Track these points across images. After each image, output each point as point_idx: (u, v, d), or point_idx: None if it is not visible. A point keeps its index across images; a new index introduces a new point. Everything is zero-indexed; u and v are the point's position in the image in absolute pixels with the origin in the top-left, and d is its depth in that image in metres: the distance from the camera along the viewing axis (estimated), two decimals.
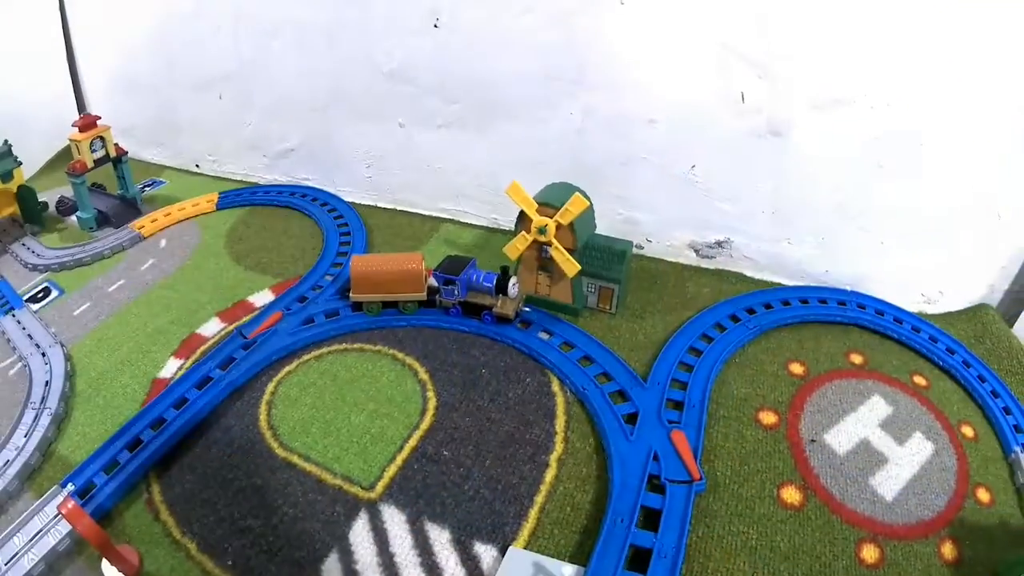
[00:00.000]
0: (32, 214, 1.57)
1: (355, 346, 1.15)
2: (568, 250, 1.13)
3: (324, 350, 1.15)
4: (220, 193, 1.69)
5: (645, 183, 1.32)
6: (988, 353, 1.15)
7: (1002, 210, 1.17)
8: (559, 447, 0.96)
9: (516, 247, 1.16)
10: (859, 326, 1.18)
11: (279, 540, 0.82)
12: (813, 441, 0.95)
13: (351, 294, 1.19)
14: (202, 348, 1.14)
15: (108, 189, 1.67)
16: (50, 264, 1.42)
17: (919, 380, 1.07)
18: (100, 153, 1.56)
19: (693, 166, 1.28)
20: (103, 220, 1.56)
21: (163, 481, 0.90)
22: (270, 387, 1.05)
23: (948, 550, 0.81)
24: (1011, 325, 1.23)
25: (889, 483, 0.88)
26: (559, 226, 1.12)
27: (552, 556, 0.82)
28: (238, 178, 1.81)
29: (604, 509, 0.86)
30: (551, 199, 1.13)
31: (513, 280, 1.12)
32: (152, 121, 1.91)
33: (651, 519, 0.83)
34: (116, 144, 1.58)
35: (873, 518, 0.84)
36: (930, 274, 1.25)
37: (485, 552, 0.84)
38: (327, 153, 1.65)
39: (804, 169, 1.23)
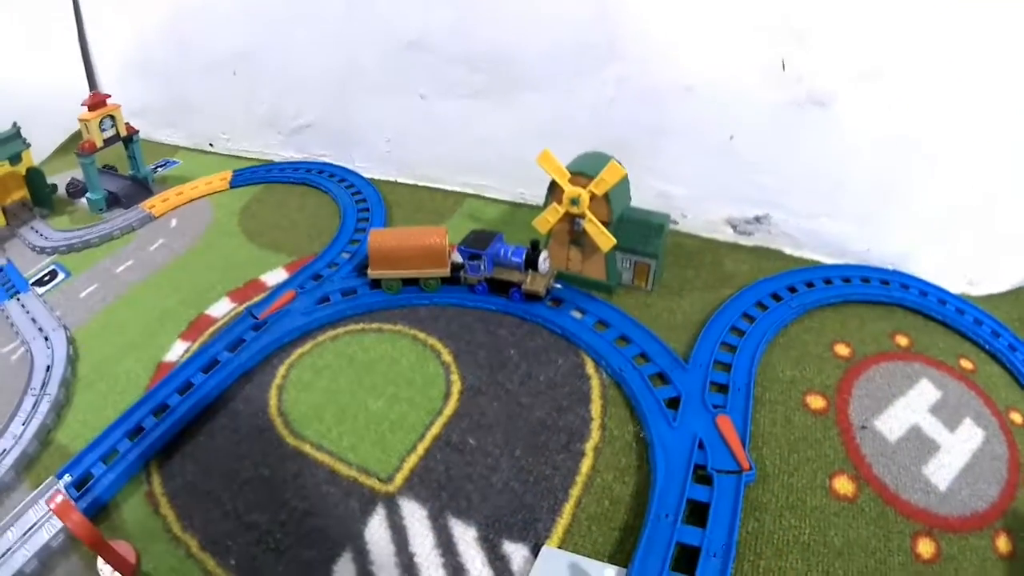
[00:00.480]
0: (41, 197, 1.52)
1: (373, 326, 1.07)
2: (603, 223, 1.05)
3: (340, 330, 1.07)
4: (234, 171, 1.62)
5: (680, 155, 1.23)
6: None
7: None
8: (595, 434, 0.88)
9: (547, 220, 1.08)
10: (903, 307, 1.10)
11: (287, 538, 0.75)
12: (864, 427, 0.88)
13: (369, 271, 1.11)
14: (211, 330, 1.08)
15: (120, 171, 1.66)
16: (57, 246, 1.37)
17: (965, 364, 0.99)
18: (110, 132, 1.50)
19: (731, 137, 1.19)
20: (113, 201, 1.51)
21: (165, 471, 0.84)
22: (281, 370, 0.98)
23: (1003, 543, 0.76)
24: None
25: (942, 472, 0.82)
26: (593, 197, 1.04)
27: (590, 556, 0.75)
28: (252, 156, 1.74)
29: (646, 503, 0.79)
30: (585, 168, 1.04)
31: (544, 255, 1.03)
32: (164, 102, 1.84)
33: (697, 513, 0.78)
34: (127, 123, 1.52)
35: (928, 510, 0.77)
36: (973, 255, 1.16)
37: (515, 552, 0.76)
38: (344, 128, 1.57)
39: (846, 142, 1.14)
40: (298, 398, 0.93)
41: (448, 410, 0.92)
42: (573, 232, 1.10)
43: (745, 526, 0.77)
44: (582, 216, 1.05)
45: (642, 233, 1.09)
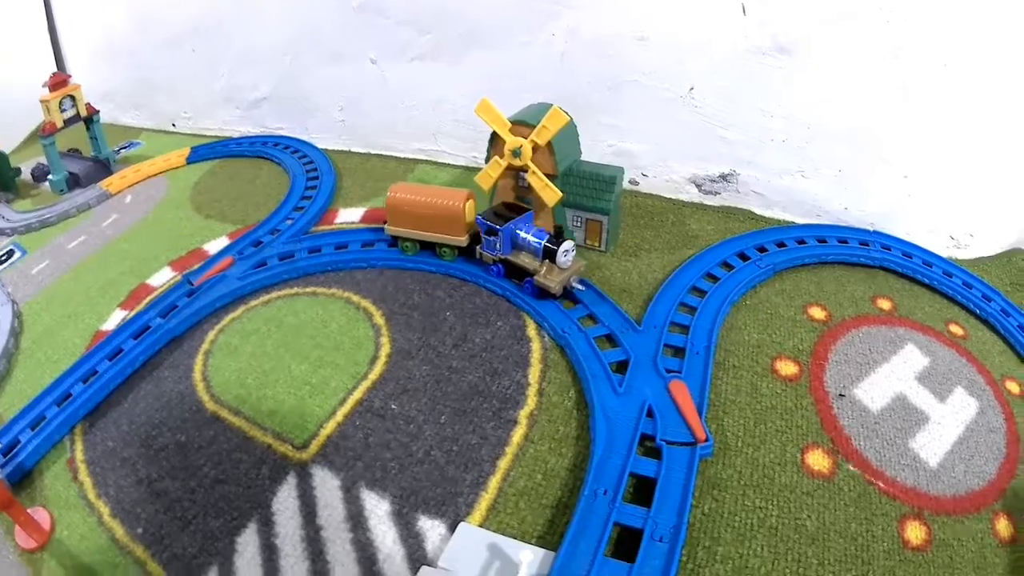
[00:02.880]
0: (5, 181, 1.43)
1: (308, 290, 0.93)
2: (548, 176, 0.88)
3: (274, 295, 0.93)
4: (192, 148, 1.48)
5: (638, 109, 1.07)
6: None
7: None
8: (531, 401, 0.72)
9: (488, 175, 0.92)
10: (885, 268, 0.94)
11: (195, 506, 0.67)
12: (842, 396, 0.73)
13: (386, 226, 0.97)
14: (149, 298, 0.98)
15: (84, 154, 1.53)
16: (16, 227, 1.28)
17: (955, 329, 0.85)
18: (71, 112, 1.37)
19: (691, 88, 1.02)
20: (74, 182, 1.41)
21: (88, 438, 0.76)
22: (210, 335, 0.87)
23: (1003, 526, 0.63)
24: None
25: (932, 446, 0.69)
26: (536, 147, 0.88)
27: (515, 536, 0.60)
28: (213, 133, 1.59)
29: (583, 478, 0.63)
30: (527, 117, 0.89)
31: (567, 246, 0.82)
32: (130, 84, 1.70)
33: (644, 491, 0.62)
34: (88, 104, 1.39)
35: (916, 488, 0.64)
36: (959, 215, 1.00)
37: (431, 528, 0.61)
38: (299, 99, 1.42)
39: (817, 92, 0.98)
40: (222, 363, 0.82)
41: (373, 374, 0.77)
42: (518, 188, 0.93)
43: (700, 506, 0.61)
44: (525, 169, 0.89)
45: (593, 187, 0.92)
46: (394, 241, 0.97)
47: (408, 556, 0.59)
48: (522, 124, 0.88)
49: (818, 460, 0.66)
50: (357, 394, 0.74)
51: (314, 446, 0.69)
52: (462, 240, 0.91)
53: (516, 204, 0.91)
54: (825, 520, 0.60)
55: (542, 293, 0.84)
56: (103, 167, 1.44)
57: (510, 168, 0.90)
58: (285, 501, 0.65)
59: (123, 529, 0.66)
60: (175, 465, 0.71)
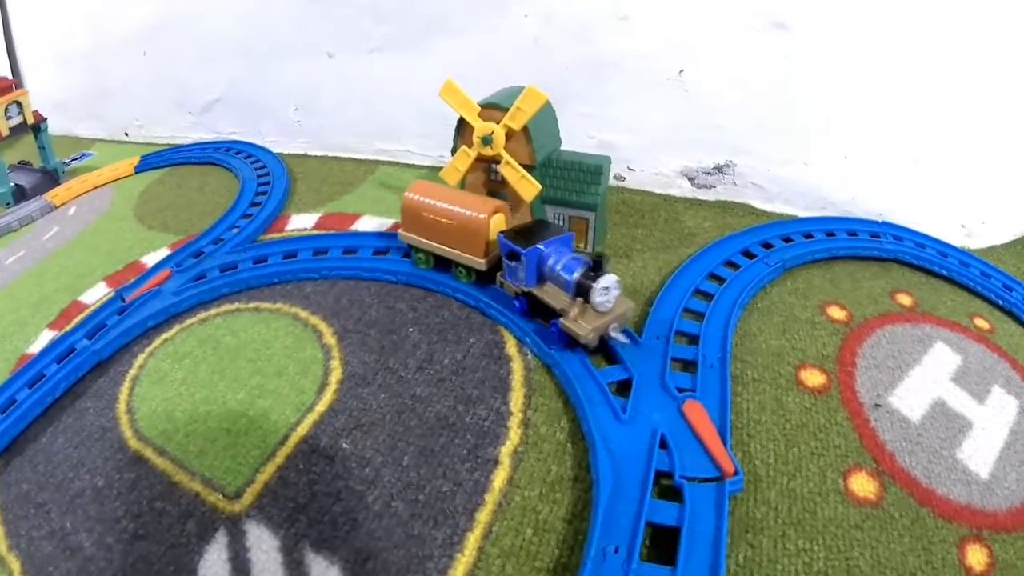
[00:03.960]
0: None
1: (250, 305, 0.79)
2: (525, 167, 0.73)
3: (212, 311, 0.79)
4: (141, 156, 1.34)
5: (621, 96, 0.94)
6: None
7: None
8: (514, 434, 0.58)
9: (455, 168, 0.77)
10: (899, 261, 0.83)
11: (111, 567, 0.53)
12: (878, 406, 0.62)
13: (400, 231, 0.79)
14: (80, 317, 0.85)
15: (34, 166, 1.39)
16: None
17: (981, 323, 0.75)
18: (17, 120, 1.24)
19: (680, 71, 0.89)
20: (21, 195, 1.28)
21: (3, 479, 0.63)
22: (139, 359, 0.74)
23: None
24: None
25: (980, 454, 0.59)
26: (510, 133, 0.74)
27: None
28: (164, 141, 1.45)
29: (586, 531, 0.48)
30: (498, 100, 0.75)
31: (606, 282, 0.60)
32: (84, 92, 1.55)
33: (664, 543, 0.48)
34: (35, 111, 1.26)
35: (971, 505, 0.54)
36: (970, 201, 0.90)
37: None
38: (253, 99, 1.28)
39: (817, 70, 0.87)
40: (149, 392, 0.69)
41: (321, 405, 0.62)
42: (490, 182, 0.79)
43: (733, 556, 0.49)
44: (498, 160, 0.74)
45: (576, 180, 0.78)
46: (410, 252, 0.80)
47: None
48: (493, 107, 0.74)
49: (863, 485, 0.54)
50: (301, 430, 0.59)
51: (249, 495, 0.55)
52: (480, 262, 0.71)
53: (552, 225, 0.69)
54: (880, 556, 0.49)
55: (571, 340, 0.63)
56: (51, 178, 1.31)
57: (480, 160, 0.76)
58: (214, 566, 0.51)
59: None
60: (91, 515, 0.57)
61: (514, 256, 0.65)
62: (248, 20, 1.19)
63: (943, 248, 0.86)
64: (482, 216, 0.69)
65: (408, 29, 1.04)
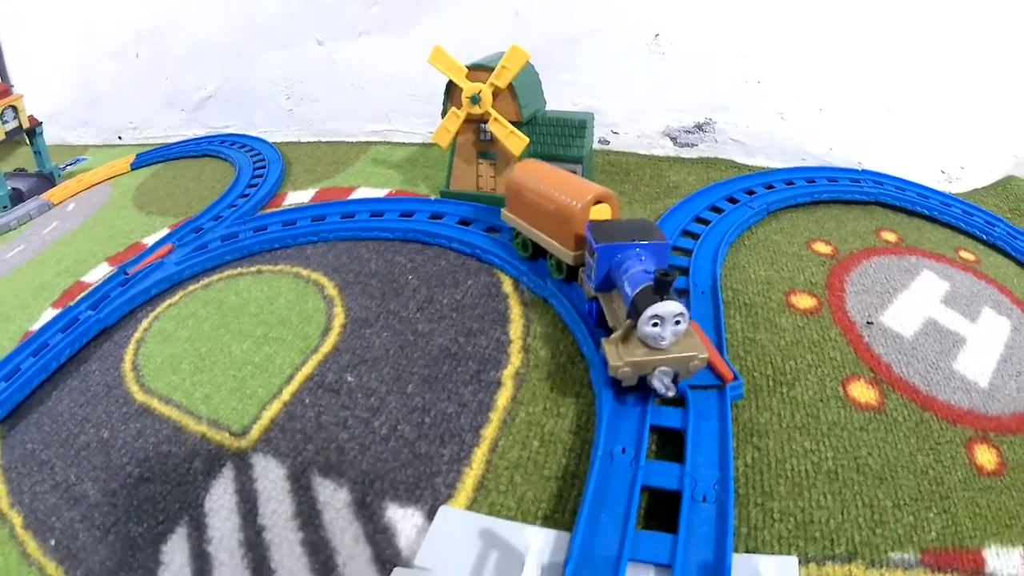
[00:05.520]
0: None
1: (252, 269, 0.76)
2: (513, 123, 0.73)
3: (215, 277, 0.76)
4: (137, 154, 1.31)
5: (601, 63, 0.93)
6: None
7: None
8: (515, 359, 0.56)
9: (446, 129, 0.76)
10: (881, 203, 0.82)
11: (116, 511, 0.51)
12: (870, 323, 0.60)
13: (503, 210, 0.69)
14: (83, 294, 0.82)
15: (30, 171, 1.36)
16: None
17: (966, 255, 0.74)
18: (12, 124, 1.21)
19: (656, 35, 0.88)
20: (18, 198, 1.24)
21: (6, 442, 0.62)
22: (144, 324, 0.72)
23: None
24: None
25: (978, 366, 0.57)
26: (496, 92, 0.73)
27: (512, 518, 0.43)
28: (158, 141, 1.41)
29: (592, 441, 0.47)
30: (484, 61, 0.75)
31: (662, 311, 0.45)
32: (75, 100, 1.52)
33: (670, 446, 0.47)
34: (31, 116, 1.23)
35: (973, 410, 0.53)
36: (948, 147, 0.89)
37: (403, 519, 0.45)
38: (245, 92, 1.26)
39: (789, 25, 0.86)
40: (155, 350, 0.67)
41: (325, 347, 0.60)
42: (480, 142, 0.78)
43: (740, 458, 0.47)
44: (486, 119, 0.73)
45: (562, 135, 0.77)
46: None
47: (376, 557, 0.42)
48: (480, 69, 0.73)
49: (863, 392, 0.53)
50: (307, 369, 0.57)
51: (255, 431, 0.53)
52: (568, 254, 0.60)
53: (647, 223, 0.55)
54: (888, 456, 0.47)
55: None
56: (47, 181, 1.27)
57: (469, 120, 0.75)
58: (220, 499, 0.49)
59: (35, 542, 0.51)
60: (96, 465, 0.55)
61: (590, 251, 0.55)
62: (237, 13, 1.17)
63: (923, 191, 0.85)
64: (577, 203, 0.58)
65: (395, 10, 1.03)
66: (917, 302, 0.63)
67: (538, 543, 0.37)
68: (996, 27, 0.82)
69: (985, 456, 0.49)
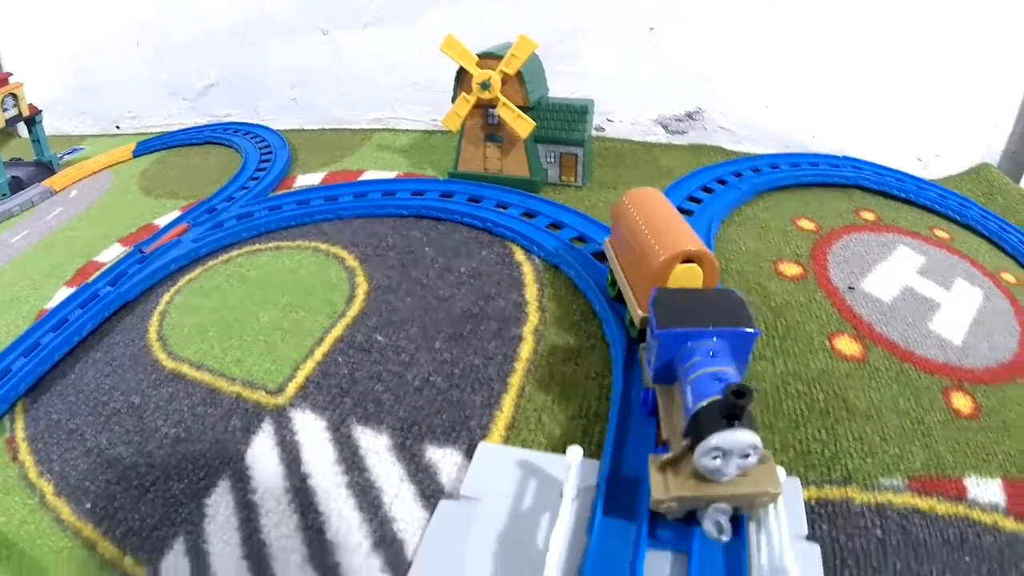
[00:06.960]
0: None
1: (270, 245, 0.79)
2: (520, 108, 0.78)
3: (234, 253, 0.79)
4: (138, 142, 1.31)
5: (599, 55, 0.98)
6: (1003, 210, 0.89)
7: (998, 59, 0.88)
8: (533, 317, 0.60)
9: (456, 114, 0.81)
10: (860, 187, 0.88)
11: (154, 471, 0.53)
12: (852, 288, 0.66)
13: (606, 240, 0.63)
14: (97, 273, 0.82)
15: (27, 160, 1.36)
16: None
17: (940, 233, 0.80)
18: (12, 112, 1.20)
19: (651, 29, 0.93)
20: (17, 185, 1.24)
21: (30, 414, 0.62)
22: (166, 297, 0.73)
23: None
24: (1017, 182, 0.94)
25: (952, 327, 0.63)
26: (505, 78, 0.77)
27: (546, 450, 0.47)
28: (158, 130, 1.41)
29: (609, 384, 0.52)
30: (494, 49, 0.79)
31: (727, 443, 0.35)
32: (72, 90, 1.51)
33: None
34: (30, 104, 1.22)
35: (949, 363, 0.58)
36: (924, 136, 0.95)
37: (443, 458, 0.48)
38: (248, 80, 1.28)
39: (775, 18, 0.91)
40: (180, 321, 0.69)
41: (352, 311, 0.64)
42: (488, 126, 0.82)
43: None
44: (494, 104, 0.78)
45: (565, 119, 0.82)
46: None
47: (420, 493, 0.46)
48: (490, 56, 0.78)
49: (847, 345, 0.58)
50: (336, 331, 0.61)
51: (291, 388, 0.56)
52: (636, 313, 0.52)
53: (740, 306, 0.43)
54: (873, 399, 0.52)
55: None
56: (46, 169, 1.27)
57: (479, 105, 0.80)
58: (261, 451, 0.52)
59: (69, 507, 0.52)
60: (129, 429, 0.57)
61: (652, 332, 0.43)
62: (242, 2, 1.19)
63: (901, 176, 0.90)
64: (661, 256, 0.49)
65: (399, 2, 1.06)
66: (895, 272, 0.69)
67: (577, 457, 0.40)
68: (972, 23, 0.87)
69: (961, 401, 0.53)
